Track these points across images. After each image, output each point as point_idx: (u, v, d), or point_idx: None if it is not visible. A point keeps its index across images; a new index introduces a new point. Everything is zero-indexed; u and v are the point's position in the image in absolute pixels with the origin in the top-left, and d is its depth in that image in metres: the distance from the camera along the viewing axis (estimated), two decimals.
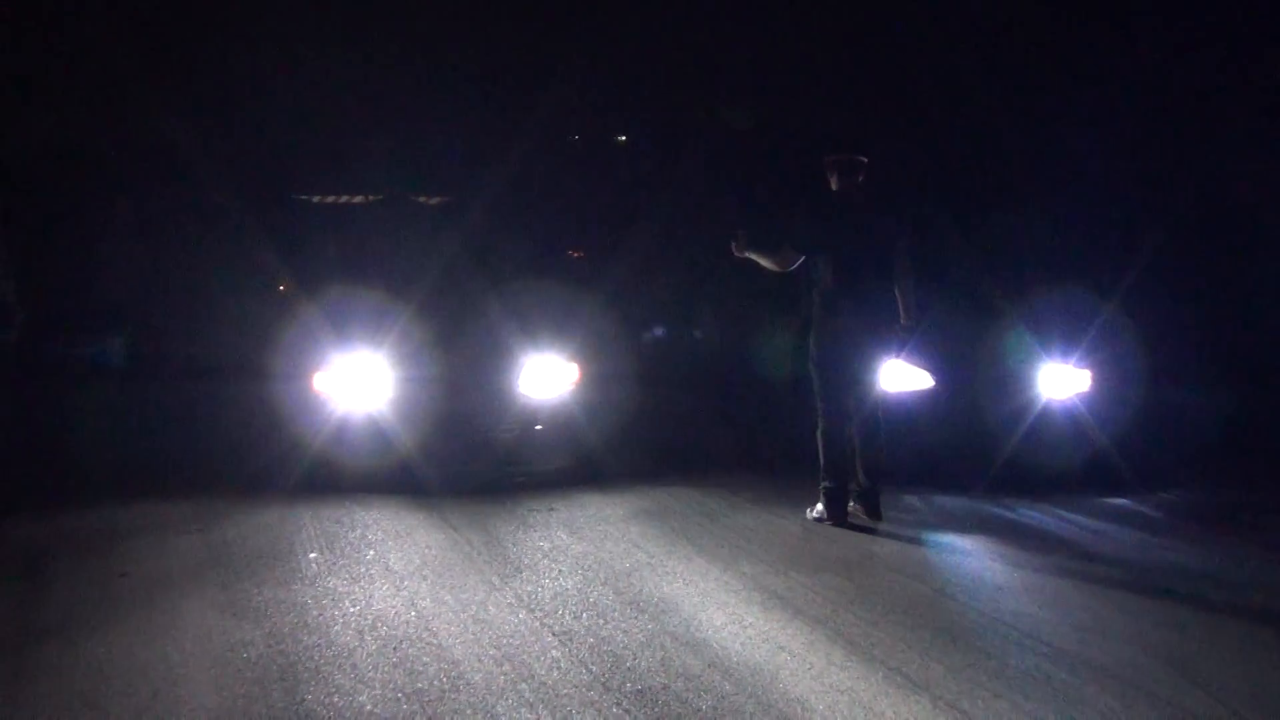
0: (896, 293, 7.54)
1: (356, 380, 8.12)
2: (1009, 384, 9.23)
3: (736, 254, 7.77)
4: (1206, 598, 6.26)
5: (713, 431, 10.15)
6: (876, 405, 7.60)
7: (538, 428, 8.40)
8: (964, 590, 6.23)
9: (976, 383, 9.11)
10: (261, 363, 8.57)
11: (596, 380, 8.76)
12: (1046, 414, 9.21)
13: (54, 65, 13.57)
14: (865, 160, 7.54)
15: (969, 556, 6.95)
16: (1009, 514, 8.10)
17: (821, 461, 7.45)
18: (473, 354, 8.43)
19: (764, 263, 7.65)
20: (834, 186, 7.60)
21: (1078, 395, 9.29)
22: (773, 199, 10.65)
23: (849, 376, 7.44)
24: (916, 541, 7.22)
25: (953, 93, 13.54)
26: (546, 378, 8.46)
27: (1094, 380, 9.29)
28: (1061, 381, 9.20)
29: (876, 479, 7.52)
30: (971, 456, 8.93)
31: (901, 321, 7.55)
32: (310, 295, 8.65)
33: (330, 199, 13.62)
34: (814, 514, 7.50)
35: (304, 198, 13.73)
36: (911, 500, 8.35)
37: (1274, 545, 7.55)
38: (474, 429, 8.32)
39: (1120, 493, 8.89)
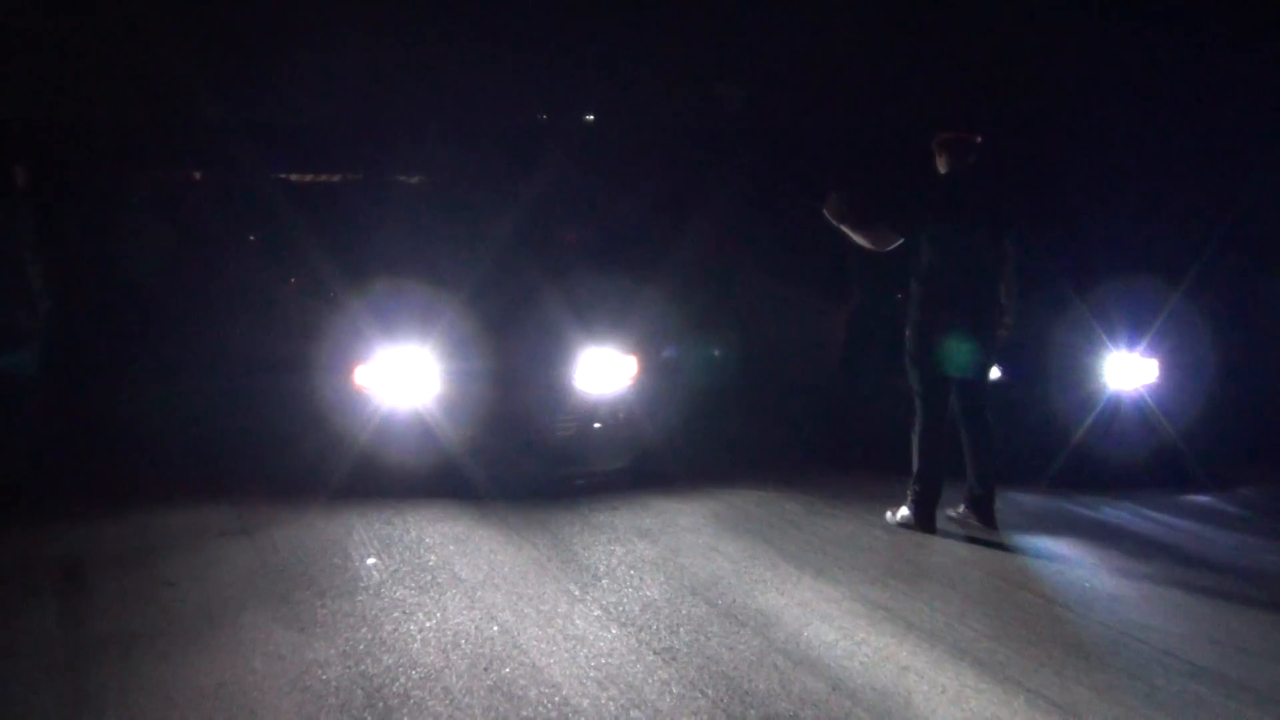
0: (1001, 289, 6.97)
1: (401, 374, 7.64)
2: (1074, 374, 8.76)
3: (830, 218, 7.14)
4: None
5: (772, 426, 9.63)
6: (985, 404, 7.05)
7: (596, 425, 7.87)
8: (1077, 600, 5.83)
9: (1042, 373, 8.62)
10: (300, 356, 8.06)
11: (656, 374, 8.22)
12: (1113, 405, 8.77)
13: (82, 45, 13.14)
14: (979, 140, 6.99)
15: (1068, 562, 6.56)
16: (1092, 513, 7.70)
17: (915, 465, 6.99)
18: (525, 346, 7.90)
19: (856, 238, 7.14)
20: (942, 168, 7.05)
21: (1145, 386, 8.84)
22: (875, 176, 10.09)
23: (951, 374, 6.91)
24: (1008, 546, 6.83)
25: (1017, 76, 13.10)
26: (604, 371, 7.94)
27: (1161, 370, 8.84)
28: (1128, 372, 8.79)
29: (990, 484, 7.02)
30: (1036, 449, 8.41)
31: (1004, 322, 7.00)
32: (352, 284, 8.09)
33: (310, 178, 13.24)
34: (897, 518, 7.05)
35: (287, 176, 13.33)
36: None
37: None
38: (527, 426, 7.81)
39: (1194, 488, 8.46)
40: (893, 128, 11.74)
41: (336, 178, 12.96)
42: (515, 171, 11.43)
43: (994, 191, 7.04)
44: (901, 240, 7.07)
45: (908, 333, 7.09)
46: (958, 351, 6.97)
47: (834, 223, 7.16)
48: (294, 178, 13.00)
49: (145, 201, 9.07)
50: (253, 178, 12.08)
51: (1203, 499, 8.22)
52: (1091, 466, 8.51)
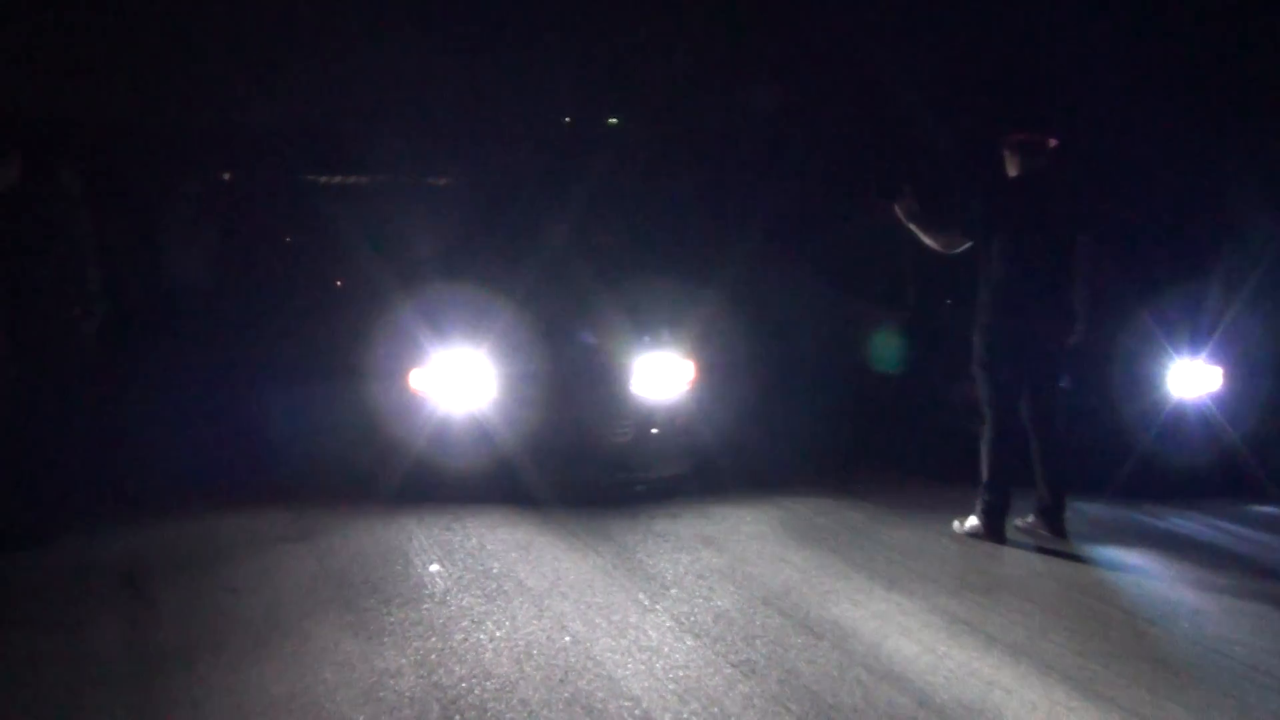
0: (1073, 296, 6.81)
1: (457, 378, 7.50)
2: (1137, 383, 8.58)
3: (900, 216, 7.00)
4: None
5: (827, 432, 9.48)
6: (1056, 412, 6.89)
7: (653, 431, 7.74)
8: (1159, 614, 5.69)
9: (1105, 381, 8.44)
10: (354, 360, 7.95)
11: (713, 379, 8.08)
12: (1176, 414, 8.55)
13: (134, 46, 13.14)
14: (1054, 142, 6.83)
15: (1144, 574, 6.41)
16: (1160, 523, 7.54)
17: (984, 473, 6.83)
18: (582, 351, 7.76)
19: (925, 239, 7.00)
20: (1014, 171, 6.90)
21: (1209, 394, 8.63)
22: (944, 176, 9.94)
23: (1021, 380, 6.75)
24: (1081, 557, 6.67)
25: (1083, 81, 12.93)
26: (661, 376, 7.80)
27: (1225, 378, 8.63)
28: (1192, 380, 8.57)
29: (1060, 493, 6.86)
30: (1100, 458, 8.23)
31: (1075, 329, 6.84)
32: (406, 287, 7.98)
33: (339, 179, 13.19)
34: (965, 528, 6.89)
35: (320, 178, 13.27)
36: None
37: None
38: (584, 432, 7.67)
39: (1261, 498, 8.25)
40: (961, 128, 11.56)
41: (387, 179, 12.86)
42: (569, 174, 11.31)
43: (1067, 195, 6.87)
44: (969, 244, 6.89)
45: (976, 339, 6.93)
46: (1027, 356, 6.81)
47: (904, 221, 7.00)
48: (344, 180, 12.91)
49: (196, 204, 8.96)
50: (302, 180, 12.02)
51: (1271, 509, 8.05)
52: (1155, 475, 8.31)
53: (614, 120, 16.12)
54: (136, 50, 13.33)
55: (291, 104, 13.42)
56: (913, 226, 7.01)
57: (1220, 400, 8.70)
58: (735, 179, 13.12)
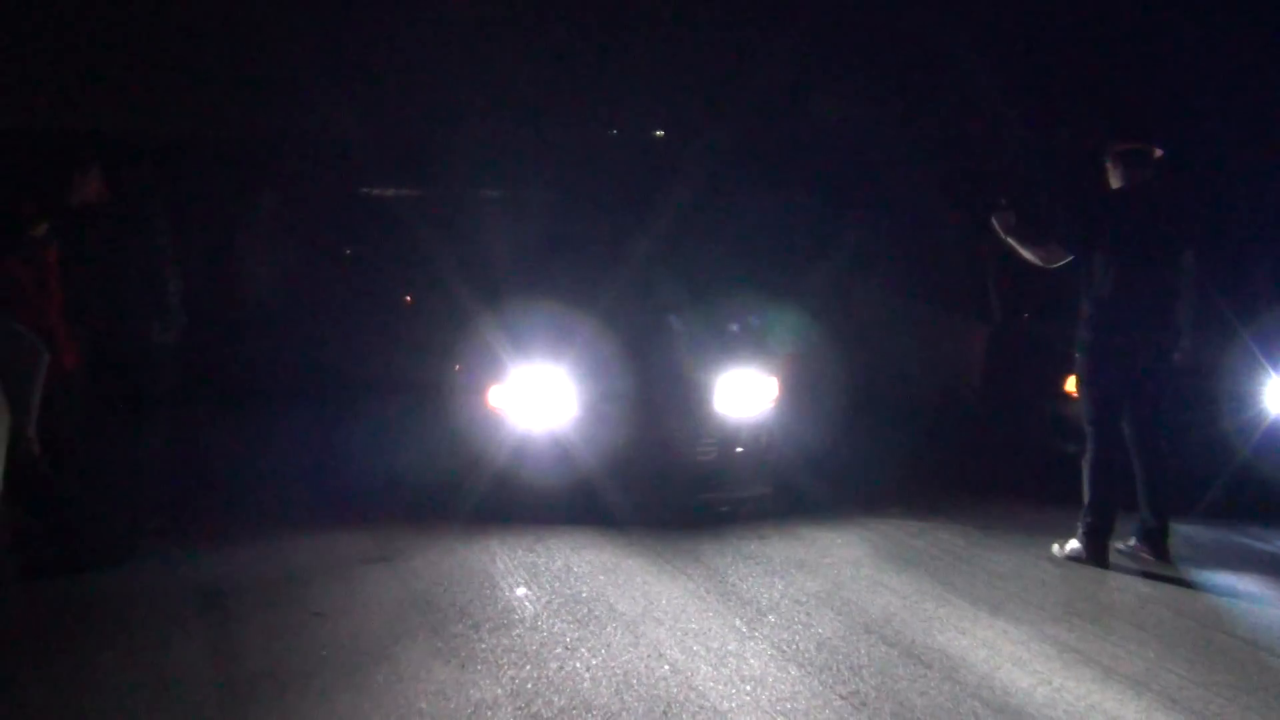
0: (1178, 311, 6.57)
1: (536, 396, 7.34)
2: (1235, 400, 8.31)
3: (998, 231, 6.79)
4: None
5: (914, 450, 9.26)
6: (1160, 432, 6.64)
7: (738, 450, 7.54)
8: None
9: (1202, 398, 8.17)
10: (432, 376, 7.80)
11: (798, 396, 7.88)
12: (1275, 431, 8.25)
13: (210, 64, 13.17)
14: (1159, 153, 6.60)
15: (1258, 600, 6.21)
16: (1267, 546, 7.33)
17: (1086, 496, 6.60)
18: (663, 368, 7.59)
19: (1025, 254, 6.80)
20: (1116, 182, 6.67)
21: None
22: (1044, 188, 9.73)
23: (1125, 398, 6.52)
24: (1188, 582, 6.45)
25: (1189, 91, 12.68)
26: (745, 394, 7.61)
27: None
28: None
29: (1164, 516, 6.61)
30: (1196, 477, 7.94)
31: (1180, 346, 6.60)
32: (485, 303, 7.83)
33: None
34: (1066, 551, 6.66)
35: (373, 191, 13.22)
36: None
37: None
38: (667, 451, 7.49)
39: None
40: (1063, 137, 11.34)
41: (468, 192, 12.78)
42: (655, 188, 11.17)
43: (1172, 208, 6.64)
44: (1070, 258, 6.67)
45: (1078, 356, 6.70)
46: (1131, 374, 6.59)
47: (1002, 236, 6.79)
48: (423, 193, 12.85)
49: (273, 217, 8.86)
50: (383, 194, 11.95)
51: None
52: (1252, 495, 8.01)
53: (660, 133, 16.05)
54: (211, 67, 13.36)
55: (368, 116, 13.37)
56: (1011, 241, 6.78)
57: None
58: (822, 193, 12.92)
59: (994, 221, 6.88)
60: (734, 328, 8.32)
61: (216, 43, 13.50)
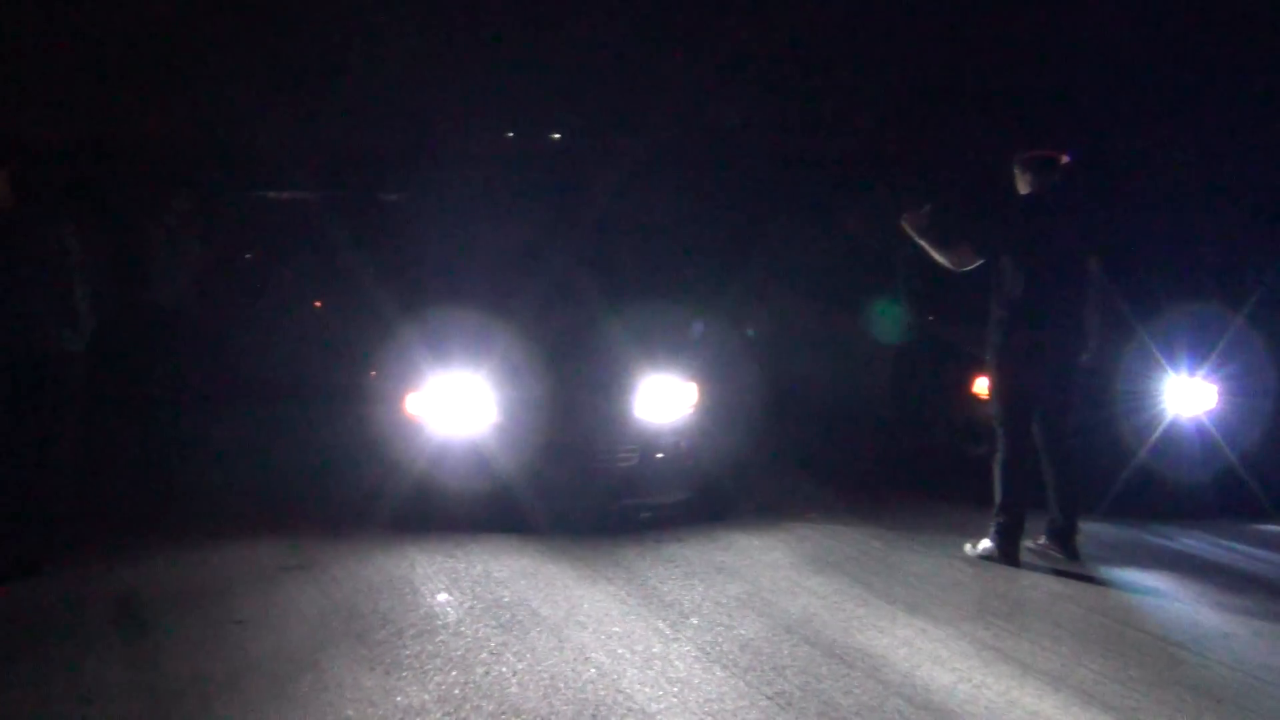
0: (1086, 314, 6.68)
1: (454, 403, 7.28)
2: (1133, 400, 8.45)
3: (908, 229, 6.84)
4: None
5: (834, 453, 9.33)
6: (1069, 433, 6.74)
7: (658, 455, 7.54)
8: (1190, 638, 5.58)
9: (1100, 398, 8.30)
10: (348, 383, 7.73)
11: (718, 401, 7.89)
12: (1172, 431, 8.41)
13: (117, 69, 12.93)
14: (1066, 159, 6.70)
15: (1165, 596, 6.30)
16: (1170, 543, 7.44)
17: (997, 496, 6.68)
18: (583, 374, 7.57)
19: (936, 256, 6.83)
20: (1025, 188, 6.76)
21: (1205, 412, 8.50)
22: (954, 195, 9.81)
23: (1035, 400, 6.61)
24: (1098, 579, 6.57)
25: (1081, 94, 12.88)
26: (665, 399, 7.61)
27: (1222, 396, 8.51)
28: (1188, 397, 8.43)
29: (1073, 514, 6.71)
30: (1096, 476, 8.06)
31: (1088, 348, 6.72)
32: (401, 308, 7.77)
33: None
34: (979, 551, 6.75)
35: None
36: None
37: None
38: (586, 457, 7.46)
39: (1262, 517, 8.13)
40: (973, 145, 11.47)
41: (393, 197, 12.68)
42: (570, 195, 11.15)
43: (1078, 213, 6.75)
44: (980, 261, 6.76)
45: (989, 359, 6.79)
46: (1042, 377, 6.71)
47: (914, 237, 6.84)
48: (337, 197, 12.72)
49: (184, 223, 8.70)
50: (298, 199, 11.81)
51: (1274, 528, 7.93)
52: (1153, 494, 8.17)
53: (556, 135, 16.06)
54: (119, 72, 13.13)
55: (277, 120, 13.21)
56: (923, 243, 6.84)
57: (1217, 418, 8.55)
58: (729, 200, 12.96)
59: (905, 222, 6.91)
60: (699, 328, 8.32)
61: (125, 45, 13.26)
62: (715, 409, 7.96)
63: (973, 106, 13.26)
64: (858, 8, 14.55)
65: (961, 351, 8.40)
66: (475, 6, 14.67)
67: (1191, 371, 8.57)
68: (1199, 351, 8.62)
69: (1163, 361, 8.46)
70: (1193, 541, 7.54)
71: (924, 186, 7.52)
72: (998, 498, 6.75)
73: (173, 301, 8.60)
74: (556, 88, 14.79)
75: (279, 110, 13.37)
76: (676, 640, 5.31)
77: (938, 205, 6.89)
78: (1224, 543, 7.55)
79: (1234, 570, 6.92)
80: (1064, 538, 6.81)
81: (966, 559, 6.82)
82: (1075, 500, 6.83)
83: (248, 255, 11.67)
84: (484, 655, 5.07)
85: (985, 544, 6.78)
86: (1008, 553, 6.70)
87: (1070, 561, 6.76)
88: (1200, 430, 8.55)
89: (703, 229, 11.80)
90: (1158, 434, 8.41)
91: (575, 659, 5.03)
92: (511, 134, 16.28)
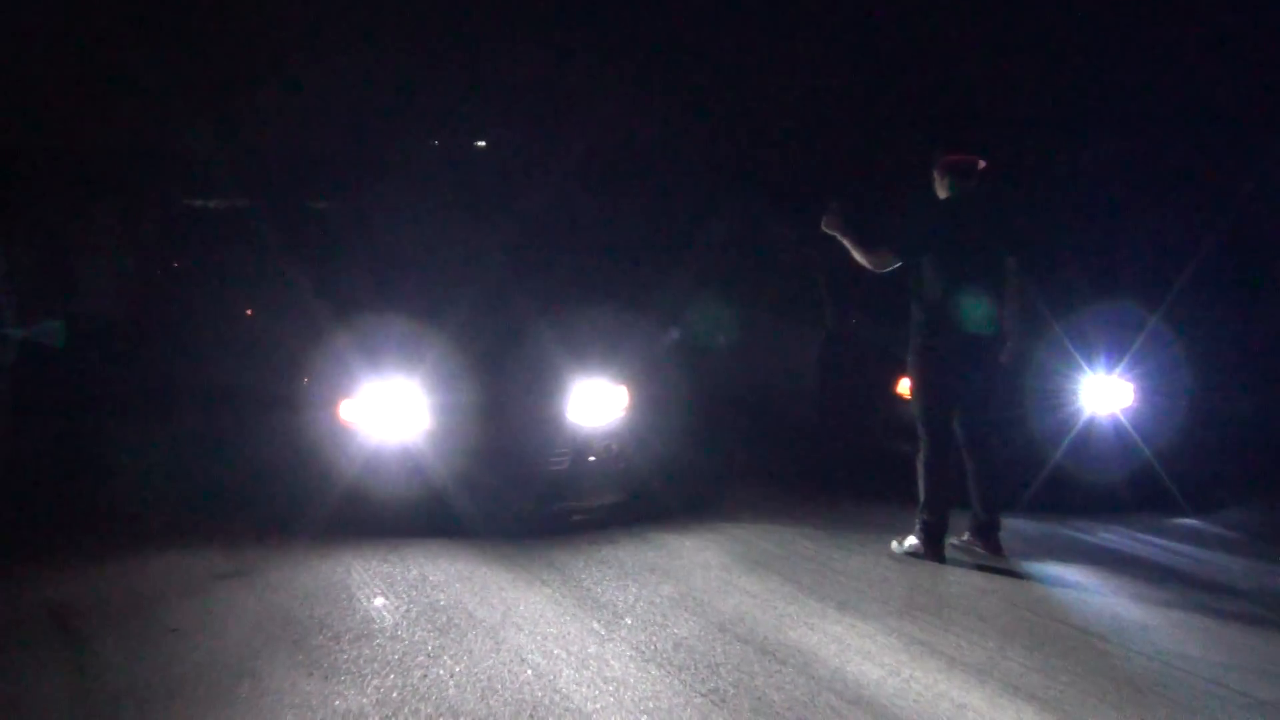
0: (1004, 315, 6.78)
1: (388, 409, 7.26)
2: (1051, 398, 8.57)
3: (825, 228, 6.90)
4: None
5: (763, 454, 9.38)
6: (989, 431, 6.83)
7: (590, 459, 7.56)
8: (1109, 630, 5.67)
9: (1019, 396, 8.41)
10: (280, 390, 7.67)
11: (649, 405, 7.93)
12: (1089, 428, 8.54)
13: (47, 70, 12.73)
14: (982, 164, 6.79)
15: (1085, 589, 6.42)
16: (1089, 538, 7.57)
17: (921, 494, 6.76)
18: (515, 379, 7.58)
19: (855, 255, 6.88)
20: (943, 192, 6.85)
21: (1122, 409, 8.63)
22: (875, 198, 9.88)
23: (956, 399, 6.70)
24: (1021, 574, 6.66)
25: (995, 94, 13.02)
26: (596, 404, 7.63)
27: (1137, 393, 8.65)
28: (1104, 395, 8.56)
29: (995, 511, 6.80)
30: (1015, 472, 8.17)
31: (1005, 348, 6.81)
32: (334, 314, 7.74)
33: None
34: (904, 548, 6.83)
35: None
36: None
37: None
38: (519, 461, 7.47)
39: (1178, 511, 8.26)
40: (890, 150, 11.57)
41: (321, 204, 12.58)
42: (501, 201, 11.14)
43: (995, 215, 6.84)
44: (898, 263, 6.83)
45: (910, 359, 6.87)
46: (962, 376, 6.77)
47: (835, 235, 6.89)
48: (271, 205, 12.61)
49: (113, 230, 8.62)
50: (222, 201, 11.68)
51: (1190, 522, 8.07)
52: (1071, 490, 8.28)
53: (481, 143, 16.06)
54: (41, 79, 12.93)
55: (216, 128, 13.09)
56: (845, 242, 6.89)
57: (1133, 415, 8.68)
58: (664, 209, 13.00)
59: (825, 221, 6.97)
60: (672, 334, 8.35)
61: (48, 51, 13.07)
62: (647, 412, 7.95)
63: (893, 115, 13.37)
64: (783, 23, 14.64)
65: (885, 352, 8.46)
66: (404, 16, 14.59)
67: (1108, 370, 8.66)
68: (1115, 350, 8.71)
69: (1080, 360, 8.56)
70: (1111, 536, 7.64)
71: (844, 191, 7.53)
72: (921, 496, 6.83)
73: (100, 310, 8.49)
74: (485, 97, 14.76)
75: (206, 118, 13.23)
76: (611, 640, 5.32)
77: (846, 202, 6.93)
78: (1141, 537, 7.66)
79: (1151, 563, 7.01)
80: (987, 533, 6.89)
81: (893, 556, 6.90)
82: (996, 497, 6.91)
83: (175, 264, 11.56)
84: (421, 658, 5.05)
85: (911, 541, 6.86)
86: (933, 550, 6.78)
87: (993, 557, 6.83)
88: (1117, 427, 8.65)
89: (631, 236, 11.79)
90: (1075, 431, 8.51)
91: (512, 660, 5.03)
92: (437, 142, 16.24)
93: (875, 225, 7.07)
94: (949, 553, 6.88)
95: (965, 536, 6.99)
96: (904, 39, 13.82)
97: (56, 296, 8.47)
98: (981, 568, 6.75)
